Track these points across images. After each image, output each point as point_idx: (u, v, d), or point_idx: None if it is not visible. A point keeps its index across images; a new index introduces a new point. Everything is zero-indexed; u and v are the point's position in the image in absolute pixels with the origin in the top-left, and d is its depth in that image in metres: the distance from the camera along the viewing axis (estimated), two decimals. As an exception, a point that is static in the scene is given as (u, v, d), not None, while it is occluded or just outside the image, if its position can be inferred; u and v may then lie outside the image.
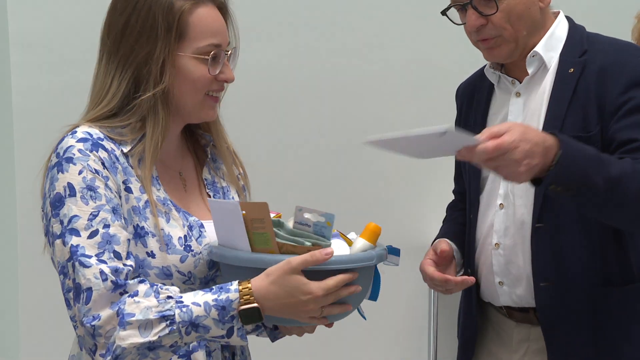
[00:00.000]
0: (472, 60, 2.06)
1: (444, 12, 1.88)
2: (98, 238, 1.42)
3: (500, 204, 1.87)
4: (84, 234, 1.41)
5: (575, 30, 1.87)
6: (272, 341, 1.69)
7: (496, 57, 1.86)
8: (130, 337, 1.38)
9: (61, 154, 1.45)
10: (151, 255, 1.48)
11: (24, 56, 2.73)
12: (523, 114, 1.86)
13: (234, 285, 1.42)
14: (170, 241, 1.50)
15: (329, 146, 2.99)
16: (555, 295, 1.80)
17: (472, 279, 1.84)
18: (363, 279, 1.48)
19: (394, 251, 1.56)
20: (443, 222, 2.11)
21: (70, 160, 1.44)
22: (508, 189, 1.85)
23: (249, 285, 1.41)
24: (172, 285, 1.49)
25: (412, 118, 3.03)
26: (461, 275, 1.93)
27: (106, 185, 1.45)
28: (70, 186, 1.43)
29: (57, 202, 1.43)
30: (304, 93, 2.97)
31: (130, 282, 1.41)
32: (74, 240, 1.41)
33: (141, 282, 1.42)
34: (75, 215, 1.42)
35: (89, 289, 1.39)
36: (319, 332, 1.60)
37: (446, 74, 2.61)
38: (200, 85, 1.52)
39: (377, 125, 3.01)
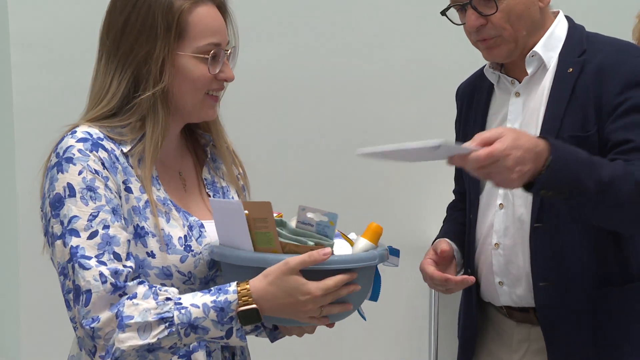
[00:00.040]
0: (473, 60, 2.06)
1: (443, 13, 1.88)
2: (98, 239, 1.42)
3: (500, 204, 1.87)
4: (84, 234, 1.41)
5: (574, 30, 1.87)
6: (272, 341, 1.69)
7: (495, 57, 1.86)
8: (129, 340, 1.38)
9: (61, 154, 1.45)
10: (151, 255, 1.48)
11: (25, 56, 2.73)
12: (522, 114, 1.86)
13: (233, 286, 1.42)
14: (171, 241, 1.50)
15: (329, 146, 2.99)
16: (555, 295, 1.80)
17: (472, 278, 1.84)
18: (364, 279, 1.48)
19: (394, 252, 1.56)
20: (443, 222, 2.11)
21: (70, 160, 1.44)
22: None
23: (248, 286, 1.41)
24: (172, 285, 1.49)
25: (412, 118, 3.03)
26: (461, 275, 1.93)
27: (106, 185, 1.45)
28: (70, 186, 1.43)
29: (57, 203, 1.43)
30: (304, 93, 2.97)
31: (130, 283, 1.41)
32: (73, 241, 1.41)
33: (140, 283, 1.42)
34: (75, 216, 1.42)
35: (89, 291, 1.39)
36: (319, 332, 1.60)
37: (446, 74, 2.61)
38: (200, 85, 1.52)
39: (377, 125, 3.01)
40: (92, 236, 1.41)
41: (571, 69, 1.80)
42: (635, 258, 1.80)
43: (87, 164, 1.44)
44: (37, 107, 2.73)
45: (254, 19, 2.83)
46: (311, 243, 1.43)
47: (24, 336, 2.80)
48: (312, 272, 1.41)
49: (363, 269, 1.46)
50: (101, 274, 1.39)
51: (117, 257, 1.42)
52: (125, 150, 1.50)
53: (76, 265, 1.40)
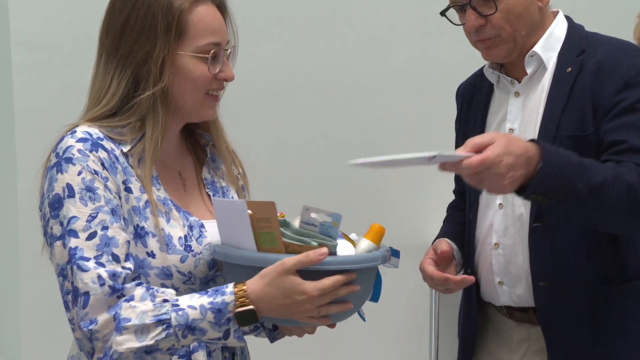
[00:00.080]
0: (473, 60, 2.06)
1: (442, 13, 1.88)
2: (96, 240, 1.41)
3: (500, 203, 1.87)
4: (82, 235, 1.41)
5: (574, 30, 1.87)
6: (271, 342, 1.69)
7: (495, 57, 1.86)
8: (126, 342, 1.38)
9: (60, 154, 1.45)
10: (151, 255, 1.48)
11: (26, 56, 2.73)
12: (522, 114, 1.86)
13: (230, 287, 1.42)
14: (171, 241, 1.50)
15: (329, 146, 2.99)
16: (555, 294, 1.80)
17: (471, 278, 1.84)
18: (366, 280, 1.48)
19: (394, 253, 1.56)
20: (443, 222, 2.11)
21: (69, 160, 1.44)
22: (507, 188, 1.85)
23: (245, 287, 1.41)
24: (173, 285, 1.49)
25: (412, 118, 3.03)
26: (461, 275, 1.93)
27: (105, 186, 1.45)
28: (69, 187, 1.43)
29: (56, 204, 1.43)
30: (304, 93, 2.97)
31: (128, 285, 1.41)
32: (72, 242, 1.41)
33: (138, 285, 1.42)
34: (74, 217, 1.42)
35: (87, 294, 1.39)
36: (319, 333, 1.59)
37: (447, 74, 2.61)
38: (200, 84, 1.52)
39: (377, 124, 3.01)
40: (90, 237, 1.41)
41: (570, 69, 1.80)
42: (634, 257, 1.80)
43: (87, 165, 1.44)
44: (38, 106, 2.73)
45: (254, 19, 2.83)
46: (315, 243, 1.43)
47: (24, 336, 2.80)
48: (314, 273, 1.40)
49: (365, 269, 1.45)
50: (99, 277, 1.39)
51: (115, 258, 1.42)
52: (125, 150, 1.50)
53: (74, 267, 1.40)
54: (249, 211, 1.43)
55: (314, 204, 1.50)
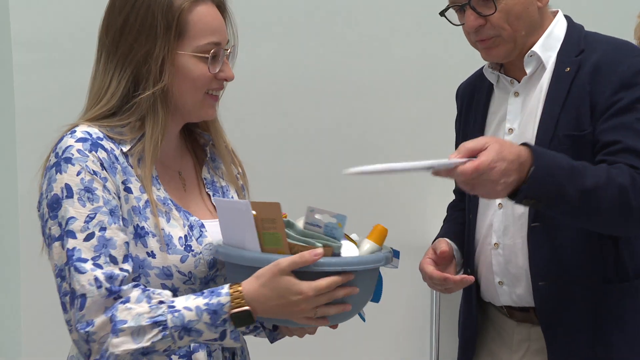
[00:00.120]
0: (473, 60, 2.06)
1: (442, 13, 1.88)
2: (94, 241, 1.41)
3: (499, 203, 1.87)
4: (80, 236, 1.41)
5: (573, 30, 1.86)
6: (271, 342, 1.69)
7: (494, 57, 1.86)
8: (123, 344, 1.38)
9: (60, 153, 1.45)
10: (151, 255, 1.48)
11: (26, 55, 2.73)
12: (521, 114, 1.86)
13: (225, 288, 1.41)
14: (171, 241, 1.49)
15: (329, 146, 2.99)
16: (554, 294, 1.80)
17: (471, 277, 1.84)
18: (367, 281, 1.47)
19: (394, 253, 1.56)
20: (443, 221, 2.11)
21: (69, 160, 1.44)
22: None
23: (240, 288, 1.41)
24: (173, 285, 1.49)
25: (412, 118, 3.03)
26: (460, 275, 1.93)
27: (104, 186, 1.45)
28: (68, 187, 1.43)
29: (55, 204, 1.43)
30: (304, 93, 2.97)
31: (125, 287, 1.41)
32: (70, 243, 1.41)
33: (135, 286, 1.42)
34: (72, 217, 1.42)
35: (83, 296, 1.39)
36: (319, 333, 1.59)
37: (447, 74, 2.61)
38: (200, 84, 1.52)
39: (378, 125, 3.01)
40: (88, 238, 1.41)
41: (569, 69, 1.80)
42: (634, 256, 1.80)
43: (86, 165, 1.44)
44: (38, 106, 2.73)
45: (254, 19, 2.83)
46: (319, 245, 1.42)
47: (24, 336, 2.80)
48: (316, 275, 1.40)
49: (367, 271, 1.45)
50: (96, 279, 1.39)
51: (113, 260, 1.42)
52: (124, 149, 1.50)
53: (72, 269, 1.40)
54: (254, 212, 1.43)
55: (313, 203, 1.50)
